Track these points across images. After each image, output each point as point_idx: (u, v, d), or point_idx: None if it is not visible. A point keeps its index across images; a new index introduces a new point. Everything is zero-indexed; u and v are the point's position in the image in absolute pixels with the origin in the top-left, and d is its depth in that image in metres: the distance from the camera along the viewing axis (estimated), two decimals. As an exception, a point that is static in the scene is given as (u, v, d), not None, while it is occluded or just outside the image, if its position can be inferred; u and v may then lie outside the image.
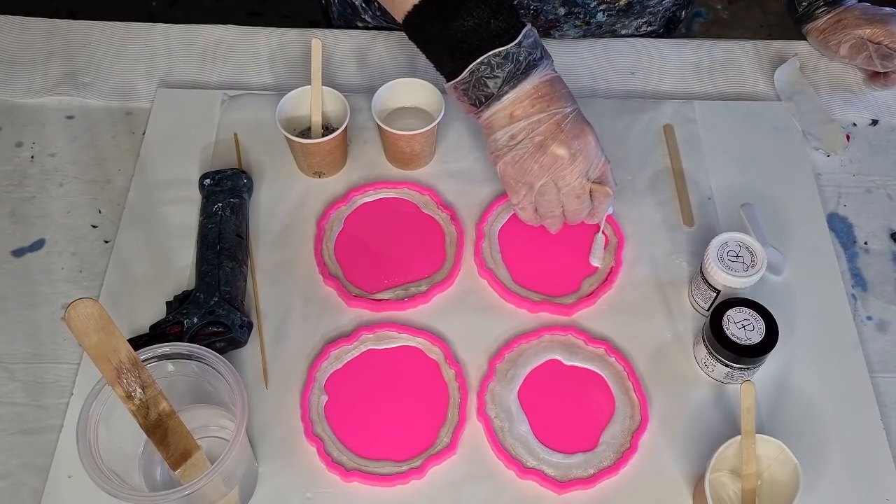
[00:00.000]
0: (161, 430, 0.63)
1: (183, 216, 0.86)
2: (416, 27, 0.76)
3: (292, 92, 0.88)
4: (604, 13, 1.01)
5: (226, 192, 0.84)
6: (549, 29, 1.04)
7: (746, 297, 0.76)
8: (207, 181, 0.85)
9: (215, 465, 0.61)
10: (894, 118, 0.99)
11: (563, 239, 0.85)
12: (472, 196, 0.89)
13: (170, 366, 0.67)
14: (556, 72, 0.76)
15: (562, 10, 1.00)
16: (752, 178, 0.92)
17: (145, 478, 0.69)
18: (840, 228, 0.90)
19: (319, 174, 0.90)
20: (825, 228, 0.88)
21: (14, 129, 0.94)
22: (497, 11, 0.72)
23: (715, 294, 0.78)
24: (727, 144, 0.94)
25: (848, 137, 0.96)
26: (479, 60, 0.73)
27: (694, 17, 2.23)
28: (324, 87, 0.88)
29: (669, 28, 1.12)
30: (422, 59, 1.00)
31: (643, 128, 0.95)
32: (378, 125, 0.87)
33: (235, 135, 0.93)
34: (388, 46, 1.02)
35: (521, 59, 0.73)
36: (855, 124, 0.98)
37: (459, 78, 0.74)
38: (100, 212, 0.88)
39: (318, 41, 0.87)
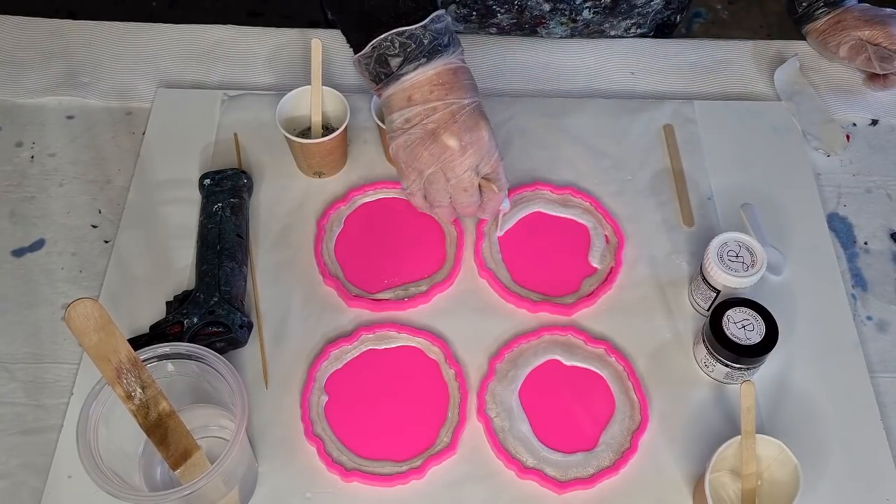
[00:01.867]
0: (161, 430, 0.63)
1: (183, 216, 0.86)
2: None
3: (292, 92, 0.88)
4: (590, 10, 1.01)
5: (226, 192, 0.84)
6: (535, 26, 1.03)
7: (746, 297, 0.76)
8: (207, 181, 0.85)
9: (215, 465, 0.61)
10: (894, 118, 0.99)
11: (562, 239, 0.85)
12: (472, 196, 0.89)
13: (170, 366, 0.67)
14: (462, 62, 0.75)
15: (546, 6, 1.00)
16: (752, 178, 0.92)
17: (145, 478, 0.69)
18: (840, 228, 0.90)
19: (319, 174, 0.90)
20: (825, 228, 0.88)
21: (14, 129, 0.94)
22: None
23: (715, 294, 0.78)
24: (727, 144, 0.94)
25: (848, 137, 0.96)
26: (382, 37, 0.72)
27: (694, 18, 2.23)
28: (324, 87, 0.88)
29: (664, 33, 1.12)
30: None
31: (643, 128, 0.95)
32: (378, 125, 0.87)
33: (235, 135, 0.93)
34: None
35: (425, 42, 0.72)
36: (855, 124, 0.98)
37: (362, 52, 0.74)
38: (100, 212, 0.88)
39: (318, 41, 0.87)
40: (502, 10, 1.01)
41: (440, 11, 0.73)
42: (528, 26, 1.03)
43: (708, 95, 1.00)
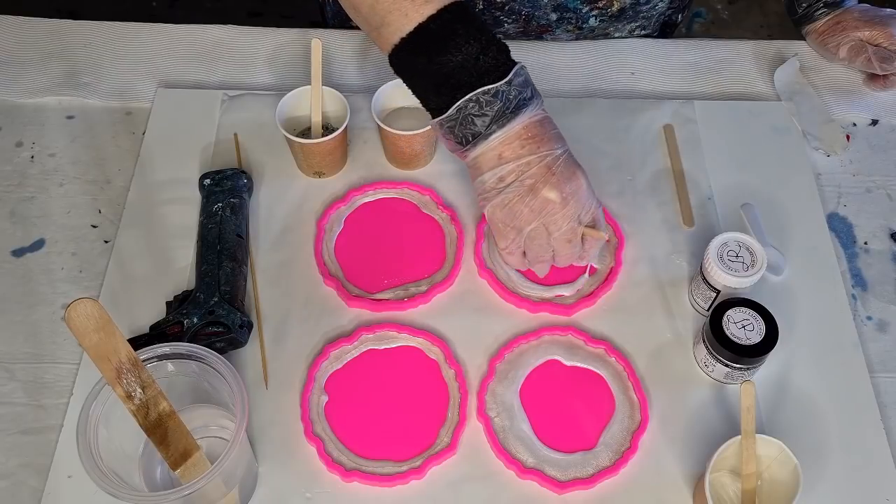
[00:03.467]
0: (161, 430, 0.63)
1: (183, 216, 0.86)
2: (402, 60, 0.72)
3: (292, 92, 0.88)
4: (596, 18, 1.01)
5: (226, 192, 0.84)
6: (541, 33, 1.04)
7: (746, 297, 0.76)
8: (207, 181, 0.85)
9: (215, 465, 0.61)
10: (894, 118, 0.99)
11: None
12: (471, 196, 0.89)
13: (170, 366, 0.67)
14: (545, 111, 0.73)
15: (553, 16, 1.00)
16: (752, 178, 0.92)
17: (145, 478, 0.69)
18: (840, 228, 0.90)
19: (319, 174, 0.90)
20: (825, 228, 0.88)
21: (14, 129, 0.94)
22: (487, 48, 0.69)
23: (715, 294, 0.78)
24: (727, 144, 0.94)
25: (848, 137, 0.96)
26: (466, 97, 0.69)
27: (694, 18, 2.23)
28: (324, 87, 0.88)
29: (665, 32, 1.12)
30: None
31: (643, 128, 0.95)
32: (378, 125, 0.87)
33: (235, 135, 0.93)
34: (388, 46, 1.02)
35: (510, 97, 0.70)
36: (855, 124, 0.98)
37: (446, 115, 0.71)
38: (100, 212, 0.88)
39: (318, 41, 0.87)
40: (509, 21, 1.01)
41: (519, 65, 0.71)
42: (535, 34, 1.04)
43: (708, 95, 1.00)
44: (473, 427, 0.75)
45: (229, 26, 1.04)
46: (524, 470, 0.72)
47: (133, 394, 0.62)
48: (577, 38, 1.05)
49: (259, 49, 1.02)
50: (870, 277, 0.86)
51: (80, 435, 0.62)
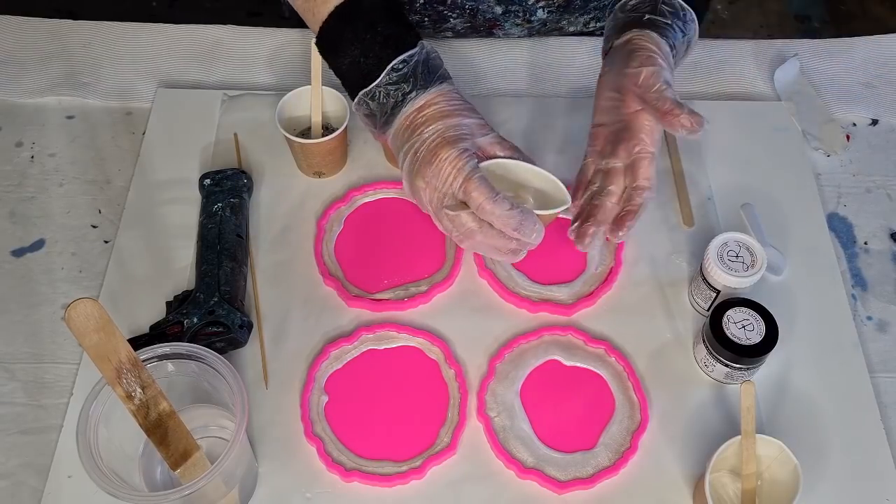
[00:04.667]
0: (161, 430, 0.63)
1: (183, 216, 0.86)
2: (325, 49, 0.76)
3: (292, 92, 0.88)
4: (544, 10, 1.00)
5: (226, 192, 0.84)
6: (490, 28, 1.02)
7: (746, 297, 0.76)
8: (207, 181, 0.85)
9: (215, 465, 0.61)
10: (894, 118, 0.99)
11: (562, 238, 0.85)
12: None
13: (170, 366, 0.67)
14: (433, 95, 0.73)
15: (499, 9, 0.99)
16: (752, 178, 0.92)
17: (145, 478, 0.69)
18: (840, 228, 0.90)
19: (319, 174, 0.90)
20: (825, 228, 0.88)
21: (14, 129, 0.94)
22: (368, 50, 0.72)
23: (715, 294, 0.78)
24: (727, 144, 0.94)
25: (848, 137, 0.96)
26: (355, 101, 0.74)
27: (694, 17, 2.23)
28: (324, 87, 0.88)
29: None
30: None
31: (643, 128, 0.95)
32: (378, 125, 0.87)
33: (235, 135, 0.93)
34: (388, 46, 1.02)
35: (388, 95, 0.72)
36: (855, 124, 0.98)
37: (356, 106, 0.75)
38: (100, 212, 0.88)
39: (318, 41, 0.87)
40: (454, 16, 1.00)
41: (395, 62, 0.72)
42: (483, 29, 1.02)
43: (708, 95, 1.00)
44: (473, 427, 0.75)
45: (229, 26, 1.04)
46: (524, 470, 0.72)
47: (133, 394, 0.62)
48: (529, 33, 1.04)
49: (259, 49, 1.02)
50: (870, 277, 0.86)
51: (80, 435, 0.62)
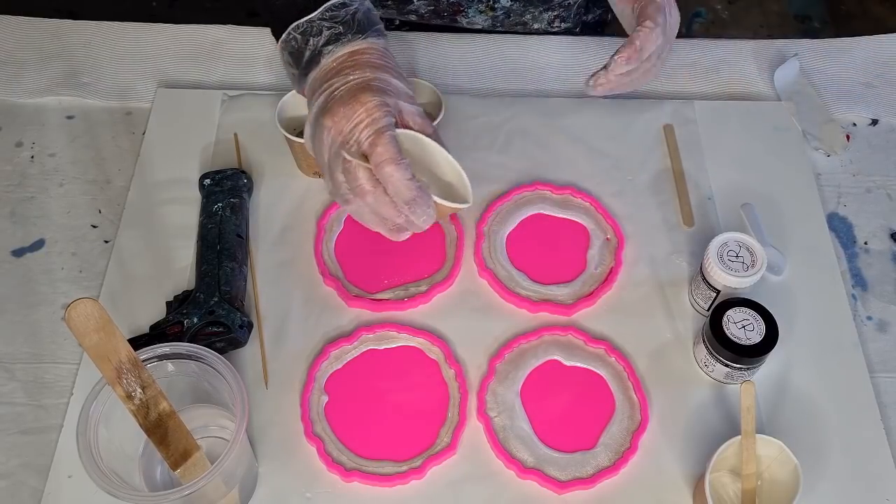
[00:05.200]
0: (161, 430, 0.63)
1: (183, 216, 0.86)
2: None
3: (292, 92, 0.88)
4: None
5: (226, 192, 0.84)
6: (454, 14, 1.02)
7: (746, 297, 0.76)
8: (207, 181, 0.85)
9: (215, 465, 0.61)
10: (894, 118, 0.99)
11: (562, 239, 0.85)
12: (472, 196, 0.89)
13: (170, 366, 0.67)
14: (371, 42, 0.72)
15: None
16: (752, 178, 0.92)
17: (145, 478, 0.69)
18: (840, 228, 0.90)
19: (319, 174, 0.90)
20: (825, 228, 0.88)
21: (14, 129, 0.94)
22: None
23: (715, 294, 0.78)
24: (727, 144, 0.94)
25: (848, 137, 0.96)
26: (282, 38, 0.73)
27: (694, 18, 2.23)
28: (324, 87, 0.88)
29: (595, 31, 1.10)
30: (422, 60, 1.01)
31: (643, 128, 0.95)
32: (378, 125, 0.87)
33: (235, 135, 0.93)
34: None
35: (319, 34, 0.71)
36: (855, 124, 0.98)
37: (280, 41, 0.73)
38: (100, 212, 0.88)
39: (318, 41, 0.87)
40: None
41: (319, 10, 0.71)
42: (447, 14, 1.02)
43: (708, 95, 1.00)
44: (473, 427, 0.75)
45: (229, 26, 1.04)
46: (524, 470, 0.72)
47: (133, 394, 0.62)
48: (493, 23, 1.04)
49: (259, 49, 1.02)
50: (870, 277, 0.86)
51: (80, 435, 0.62)
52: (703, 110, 0.97)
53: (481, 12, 1.01)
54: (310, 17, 0.71)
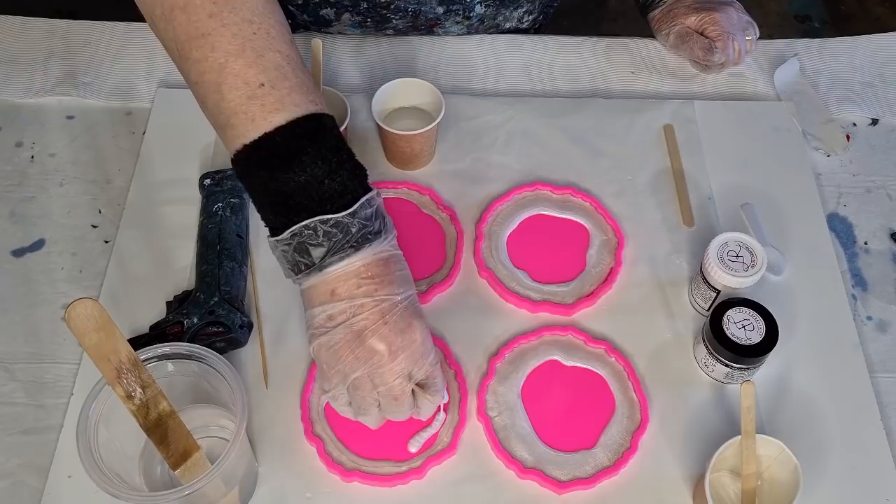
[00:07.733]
0: (161, 430, 0.63)
1: (183, 216, 0.86)
2: (243, 169, 0.64)
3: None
4: (482, 5, 1.00)
5: (226, 192, 0.84)
6: (431, 27, 1.03)
7: (746, 297, 0.76)
8: (207, 181, 0.85)
9: (215, 465, 0.61)
10: (894, 118, 0.99)
11: (562, 239, 0.85)
12: (472, 196, 0.89)
13: (170, 366, 0.67)
14: (395, 248, 0.66)
15: (440, 9, 0.99)
16: (752, 178, 0.92)
17: (145, 478, 0.69)
18: (840, 228, 0.90)
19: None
20: (825, 228, 0.88)
21: (14, 129, 0.94)
22: (336, 171, 0.62)
23: (715, 294, 0.78)
24: (727, 144, 0.94)
25: (848, 137, 0.96)
26: (303, 223, 0.62)
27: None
28: (324, 87, 0.88)
29: (556, 19, 1.12)
30: (422, 61, 1.01)
31: (643, 128, 0.95)
32: (378, 125, 0.87)
33: (235, 135, 0.93)
34: (387, 47, 1.02)
35: (353, 230, 0.62)
36: (855, 124, 0.98)
37: (279, 238, 0.63)
38: (100, 212, 0.88)
39: (319, 42, 0.87)
40: (396, 17, 1.00)
41: (371, 194, 0.64)
42: (424, 28, 1.03)
43: (708, 95, 1.00)
44: (473, 427, 0.75)
45: (229, 26, 1.04)
46: (524, 470, 0.72)
47: (133, 394, 0.62)
48: (468, 30, 1.04)
49: (259, 49, 1.02)
50: (870, 277, 0.86)
51: (80, 435, 0.62)
52: (703, 110, 0.97)
53: (458, 23, 1.03)
54: (348, 212, 0.63)
